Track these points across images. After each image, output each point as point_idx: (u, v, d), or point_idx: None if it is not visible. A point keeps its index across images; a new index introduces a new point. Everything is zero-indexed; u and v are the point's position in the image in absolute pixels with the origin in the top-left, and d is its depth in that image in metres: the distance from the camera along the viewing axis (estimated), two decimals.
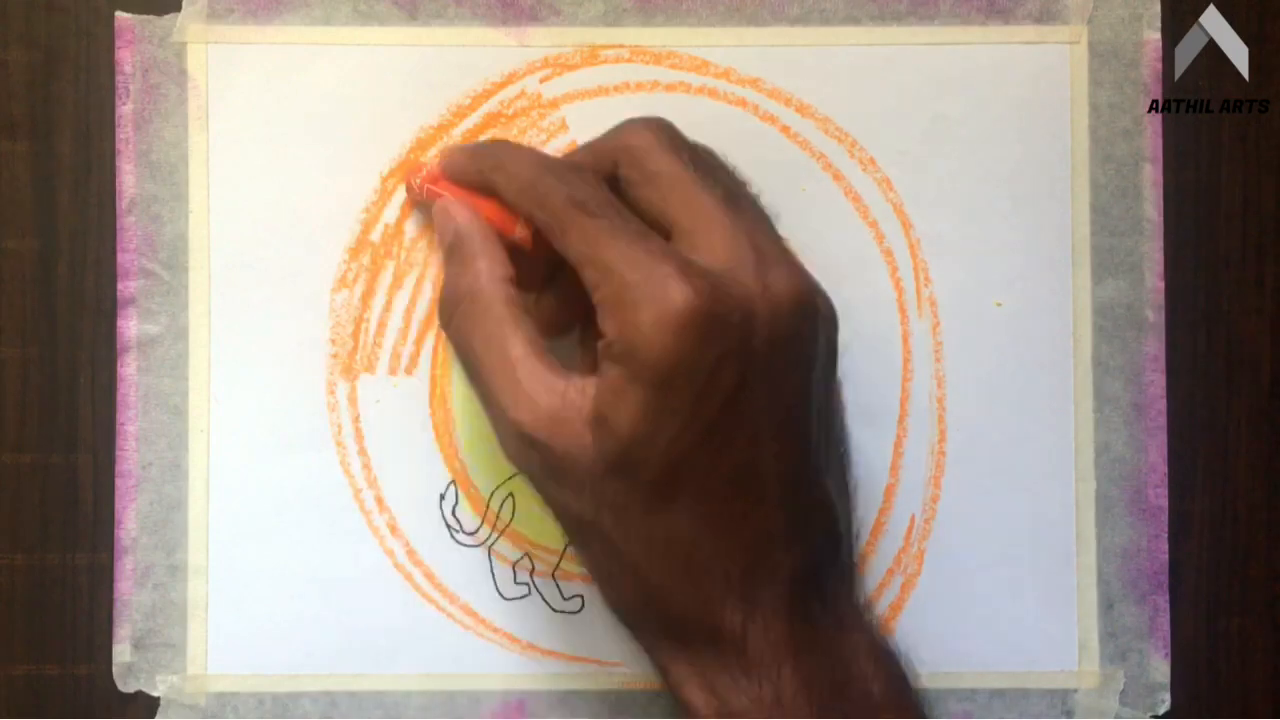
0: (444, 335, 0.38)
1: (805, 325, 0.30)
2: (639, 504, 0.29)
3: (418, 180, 0.36)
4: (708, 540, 0.29)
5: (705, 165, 0.32)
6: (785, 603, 0.30)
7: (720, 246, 0.30)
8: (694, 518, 0.29)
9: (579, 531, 0.31)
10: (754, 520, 0.29)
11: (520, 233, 0.34)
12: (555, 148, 0.38)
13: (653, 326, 0.28)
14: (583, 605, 0.38)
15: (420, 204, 0.37)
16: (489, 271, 0.32)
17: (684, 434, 0.28)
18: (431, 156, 0.37)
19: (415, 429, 0.38)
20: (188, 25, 0.38)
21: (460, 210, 0.34)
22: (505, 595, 0.38)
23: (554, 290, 0.35)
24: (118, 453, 0.38)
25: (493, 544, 0.38)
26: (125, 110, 0.38)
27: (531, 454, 0.30)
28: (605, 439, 0.29)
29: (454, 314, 0.33)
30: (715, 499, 0.29)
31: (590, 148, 0.34)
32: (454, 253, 0.33)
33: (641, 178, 0.32)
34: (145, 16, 0.38)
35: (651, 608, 0.30)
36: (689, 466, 0.29)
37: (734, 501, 0.29)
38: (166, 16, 0.38)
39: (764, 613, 0.29)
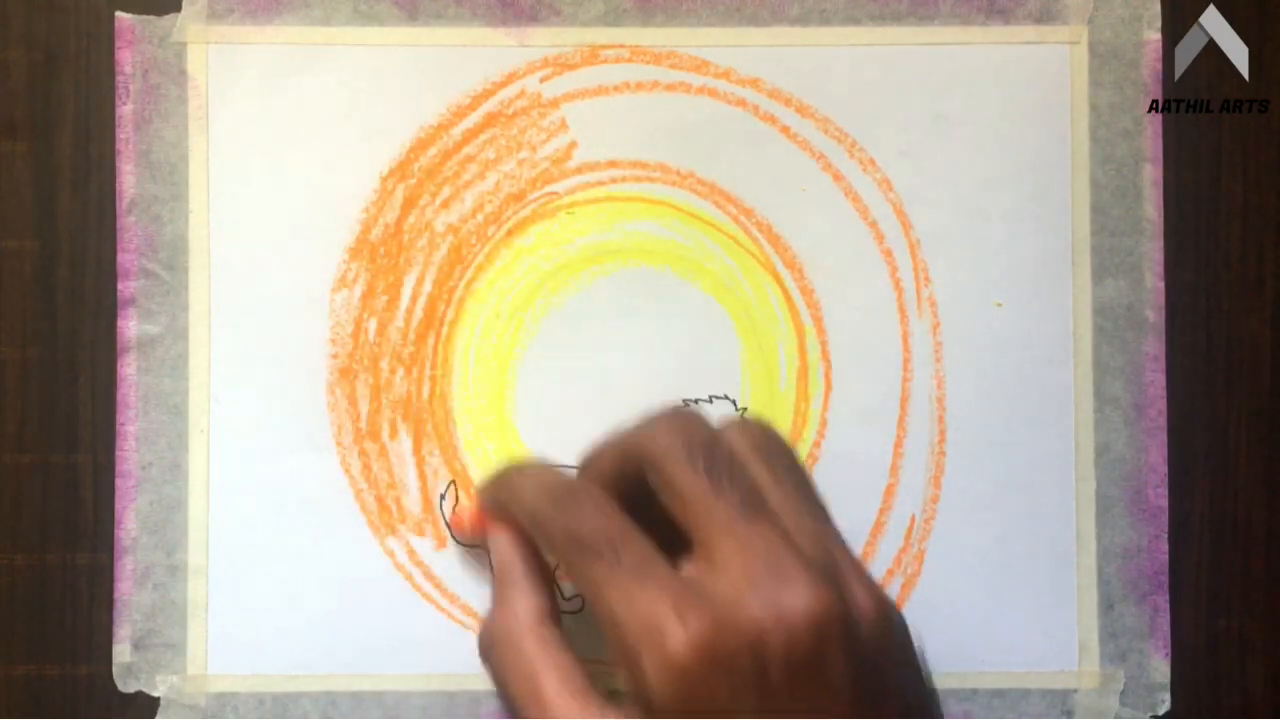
0: (447, 349, 0.38)
1: (831, 645, 0.27)
2: None
3: (464, 517, 0.37)
4: None
5: (726, 469, 0.30)
6: None
7: (734, 565, 0.28)
8: None
9: None
10: None
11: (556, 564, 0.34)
12: (555, 147, 0.38)
13: (655, 674, 0.27)
14: (583, 605, 0.38)
15: (473, 543, 0.38)
16: (524, 611, 0.32)
17: None
18: (468, 500, 0.38)
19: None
20: (188, 25, 0.38)
21: (502, 543, 0.34)
22: None
23: None
24: (118, 453, 0.38)
25: None
26: (125, 110, 0.38)
27: None
28: None
29: (491, 651, 0.33)
30: None
31: (618, 447, 0.32)
32: (496, 587, 0.34)
33: (662, 484, 0.30)
34: (145, 16, 0.38)
35: None
36: None
37: None
38: (166, 16, 0.38)
39: None
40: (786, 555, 0.28)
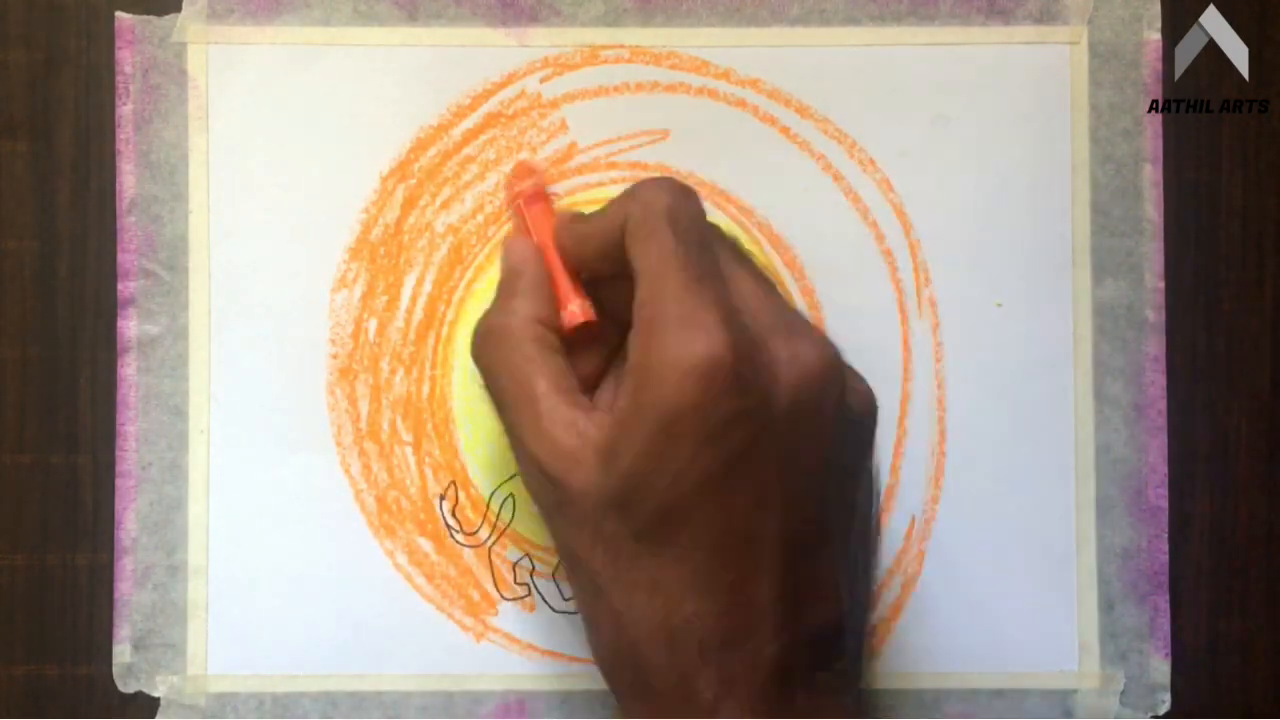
0: (447, 349, 0.38)
1: (828, 401, 0.29)
2: (630, 545, 0.28)
3: (517, 189, 0.36)
4: (690, 599, 0.28)
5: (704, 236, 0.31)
6: (764, 688, 0.28)
7: (757, 311, 0.30)
8: (680, 572, 0.28)
9: (574, 570, 0.31)
10: (743, 591, 0.28)
11: (571, 313, 0.33)
12: (555, 148, 0.38)
13: (673, 365, 0.28)
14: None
15: (508, 208, 0.37)
16: (524, 311, 0.32)
17: (682, 480, 0.28)
18: (538, 170, 0.37)
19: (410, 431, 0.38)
20: (188, 25, 0.38)
21: (522, 246, 0.34)
22: (505, 595, 0.38)
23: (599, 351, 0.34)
24: (118, 453, 0.38)
25: (493, 545, 0.38)
26: (125, 110, 0.38)
27: (547, 489, 0.30)
28: (609, 471, 0.28)
29: (484, 346, 0.32)
30: (705, 557, 0.28)
31: (605, 219, 0.32)
32: (500, 286, 0.33)
33: (644, 240, 0.31)
34: (145, 17, 0.38)
35: (627, 660, 0.29)
36: (683, 516, 0.28)
37: (725, 565, 0.28)
38: (166, 17, 0.38)
39: (739, 693, 0.28)
40: (800, 320, 0.31)
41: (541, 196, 0.35)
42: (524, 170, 0.37)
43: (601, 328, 0.33)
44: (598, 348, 0.33)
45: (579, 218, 0.33)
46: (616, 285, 0.32)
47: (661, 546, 0.28)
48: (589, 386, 0.33)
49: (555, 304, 0.33)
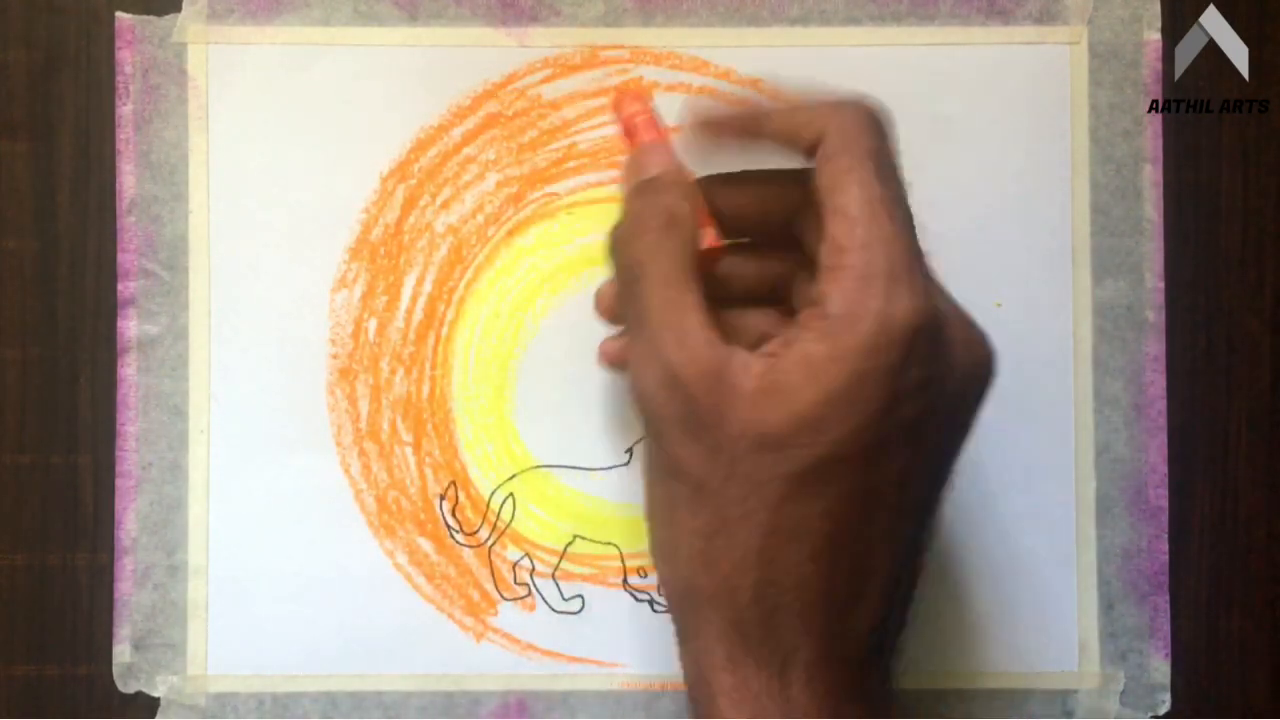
0: (447, 349, 0.38)
1: (985, 391, 0.30)
2: (777, 488, 0.27)
3: (629, 112, 0.33)
4: (828, 555, 0.28)
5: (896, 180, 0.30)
6: (860, 650, 0.28)
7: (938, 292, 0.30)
8: (825, 528, 0.27)
9: (692, 492, 0.29)
10: (872, 557, 0.28)
11: (710, 233, 0.31)
12: (555, 149, 0.38)
13: (886, 320, 0.27)
14: (583, 605, 0.38)
15: (622, 131, 0.34)
16: (682, 213, 0.30)
17: (857, 436, 0.27)
18: (645, 95, 0.34)
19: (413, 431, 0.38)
20: (188, 25, 0.38)
21: (662, 154, 0.32)
22: (505, 595, 0.38)
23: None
24: (118, 453, 0.38)
25: (493, 545, 0.38)
26: (125, 110, 0.38)
27: (673, 399, 0.28)
28: (774, 409, 0.27)
29: (641, 236, 0.30)
30: (855, 517, 0.28)
31: (803, 110, 0.30)
32: (659, 183, 0.31)
33: (838, 170, 0.29)
34: (145, 17, 0.38)
35: (723, 591, 0.28)
36: (843, 471, 0.27)
37: (867, 530, 0.28)
38: (166, 17, 0.38)
39: (840, 649, 0.28)
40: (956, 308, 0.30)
41: (655, 122, 0.33)
42: (633, 95, 0.33)
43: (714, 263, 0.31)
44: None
45: (749, 106, 0.32)
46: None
47: (810, 496, 0.27)
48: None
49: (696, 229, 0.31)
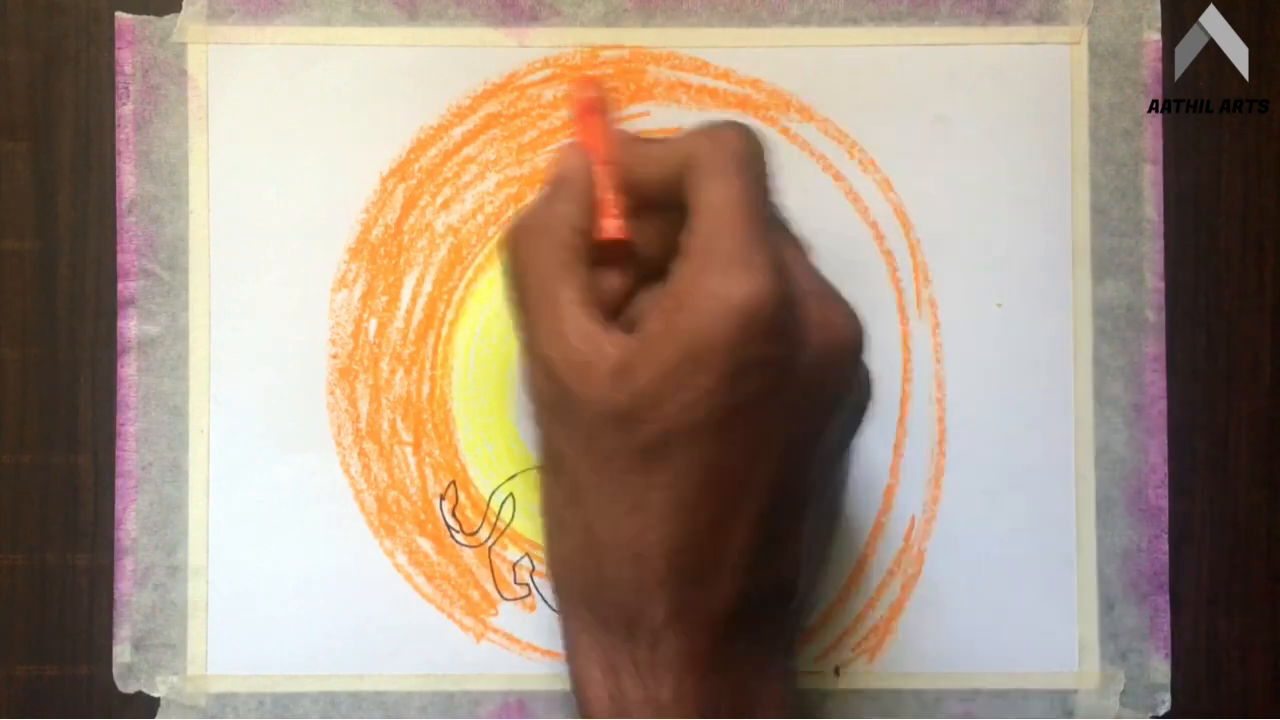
0: (447, 349, 0.38)
1: (844, 373, 0.30)
2: (621, 460, 0.29)
3: (578, 97, 0.34)
4: (667, 525, 0.29)
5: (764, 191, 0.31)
6: (713, 624, 0.29)
7: (798, 271, 0.30)
8: (665, 496, 0.29)
9: (554, 472, 0.31)
10: (720, 529, 0.29)
11: (609, 226, 0.32)
12: (555, 149, 0.38)
13: (717, 298, 0.28)
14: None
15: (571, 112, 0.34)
16: (564, 215, 0.32)
17: (692, 410, 0.28)
18: (602, 85, 0.34)
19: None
20: (188, 26, 0.38)
21: (574, 155, 0.33)
22: (505, 595, 0.38)
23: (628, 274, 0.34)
24: (118, 453, 0.38)
25: (493, 545, 0.38)
26: (125, 110, 0.38)
27: (548, 388, 0.30)
28: (620, 387, 0.29)
29: (517, 242, 0.32)
30: (692, 489, 0.29)
31: (670, 148, 0.32)
32: (545, 188, 0.33)
33: (702, 189, 0.30)
34: (145, 17, 0.38)
35: (586, 571, 0.30)
36: (682, 445, 0.29)
37: (708, 501, 0.29)
38: (166, 17, 0.38)
39: (690, 621, 0.29)
40: (832, 290, 0.31)
41: (602, 110, 0.34)
42: (589, 83, 0.34)
43: (630, 251, 0.32)
44: (623, 271, 0.33)
45: (642, 139, 0.33)
46: (655, 217, 0.32)
47: (652, 469, 0.29)
48: (606, 307, 0.32)
49: (594, 217, 0.32)
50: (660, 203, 0.31)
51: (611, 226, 0.32)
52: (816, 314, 0.29)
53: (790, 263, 0.30)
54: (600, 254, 0.32)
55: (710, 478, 0.29)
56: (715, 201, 0.29)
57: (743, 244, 0.29)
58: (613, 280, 0.32)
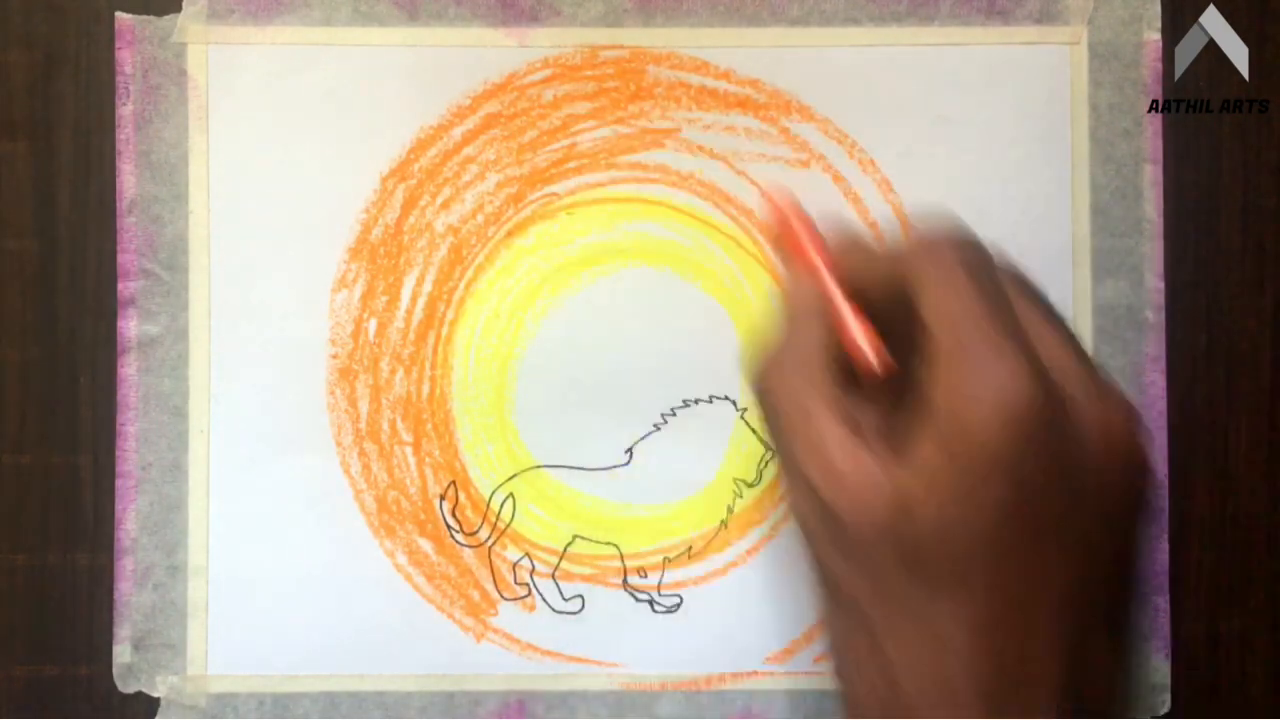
0: (447, 349, 0.38)
1: (1133, 474, 0.28)
2: (915, 598, 0.27)
3: (781, 218, 0.33)
4: (975, 657, 0.27)
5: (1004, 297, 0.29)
6: None
7: (1063, 365, 0.28)
8: (968, 629, 0.27)
9: (834, 598, 0.29)
10: (1030, 655, 0.27)
11: (874, 359, 0.31)
12: (555, 149, 0.38)
13: (983, 405, 0.26)
14: (583, 605, 0.38)
15: (775, 246, 0.34)
16: (817, 343, 0.30)
17: (984, 534, 0.27)
18: (792, 199, 0.34)
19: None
20: (188, 26, 0.38)
21: (806, 281, 0.32)
22: (505, 595, 0.38)
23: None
24: (118, 453, 0.38)
25: (493, 545, 0.38)
26: (125, 110, 0.38)
27: (819, 517, 0.29)
28: (904, 523, 0.27)
29: (771, 376, 0.31)
30: (996, 616, 0.27)
31: (889, 263, 0.30)
32: (792, 312, 0.32)
33: (931, 304, 0.29)
34: (145, 17, 0.38)
35: (890, 710, 0.28)
36: (979, 572, 0.27)
37: (1015, 627, 0.27)
38: (166, 17, 0.38)
39: None
40: (1103, 378, 0.29)
41: (804, 218, 0.33)
42: (781, 193, 0.34)
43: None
44: (869, 388, 0.31)
45: (857, 245, 0.32)
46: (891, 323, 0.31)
47: (949, 599, 0.27)
48: (866, 430, 0.31)
49: (839, 336, 0.31)
50: (881, 315, 0.30)
51: (882, 365, 0.30)
52: (1092, 411, 0.28)
53: (1050, 356, 0.28)
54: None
55: (1012, 599, 0.27)
56: (951, 314, 0.28)
57: (992, 344, 0.27)
58: (865, 404, 0.31)
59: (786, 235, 0.33)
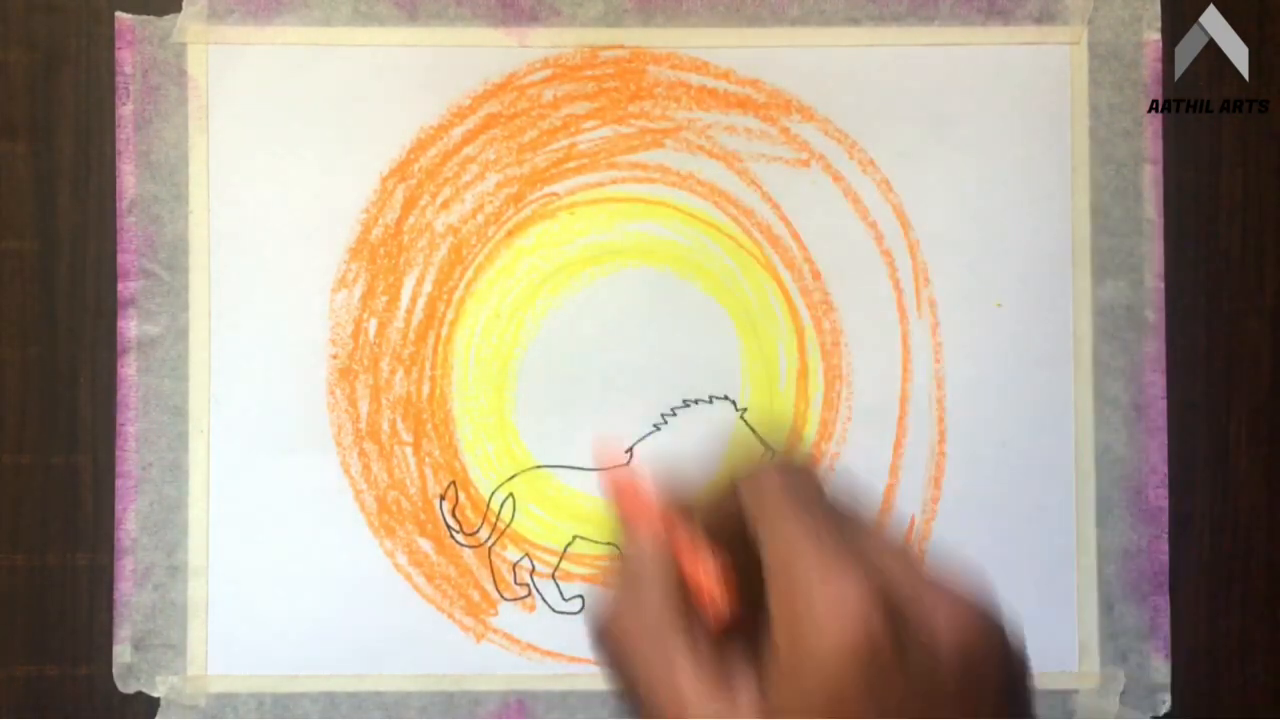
0: (447, 349, 0.38)
1: (994, 662, 0.28)
2: None
3: (613, 477, 0.32)
4: None
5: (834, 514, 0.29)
6: None
7: (901, 572, 0.28)
8: None
9: None
10: None
11: (718, 607, 0.30)
12: (555, 149, 0.38)
13: (833, 636, 0.26)
14: (583, 605, 0.38)
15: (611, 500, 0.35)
16: (662, 603, 0.30)
17: None
18: (632, 470, 0.35)
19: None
20: (188, 26, 0.38)
21: (647, 532, 0.32)
22: (505, 595, 0.38)
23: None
24: (118, 453, 0.38)
25: (493, 545, 0.38)
26: (125, 110, 0.38)
27: None
28: None
29: (616, 639, 0.30)
30: None
31: (720, 496, 0.31)
32: (628, 573, 0.31)
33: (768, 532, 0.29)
34: (145, 17, 0.38)
35: None
36: None
37: None
38: (166, 17, 0.38)
39: None
40: (935, 572, 0.28)
41: (634, 483, 0.32)
42: (616, 475, 0.34)
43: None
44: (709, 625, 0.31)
45: (685, 507, 0.32)
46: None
47: None
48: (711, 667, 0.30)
49: (681, 587, 0.30)
50: (740, 553, 0.30)
51: (721, 617, 0.30)
52: (941, 606, 0.27)
53: (891, 571, 0.28)
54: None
55: None
56: (782, 541, 0.28)
57: (821, 569, 0.27)
58: (727, 650, 0.30)
59: (623, 503, 0.32)
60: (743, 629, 0.30)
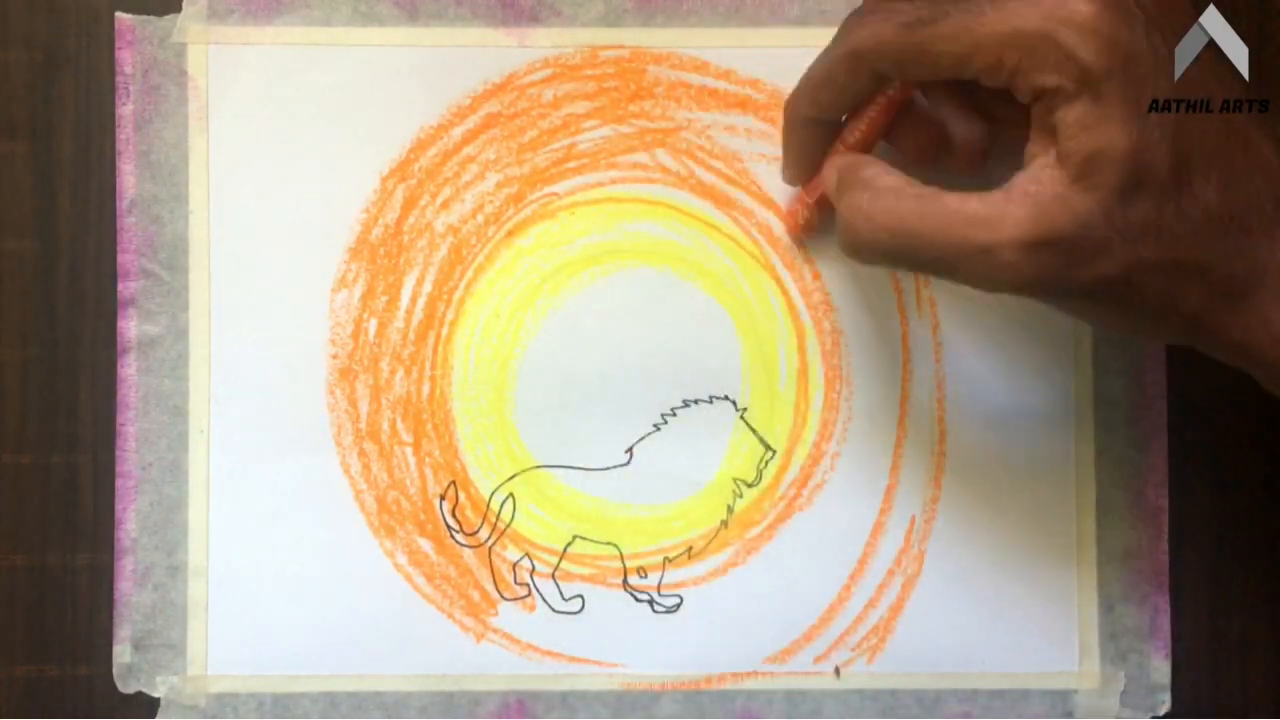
0: (447, 349, 0.38)
1: None
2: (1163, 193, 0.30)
3: (804, 206, 0.38)
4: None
5: None
6: None
7: None
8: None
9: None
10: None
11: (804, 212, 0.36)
12: (555, 149, 0.38)
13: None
14: (583, 605, 0.38)
15: (809, 222, 0.38)
16: (878, 169, 0.33)
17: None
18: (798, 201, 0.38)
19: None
20: (188, 26, 0.38)
21: (831, 166, 0.35)
22: (505, 595, 0.38)
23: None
24: (118, 453, 0.38)
25: (493, 545, 0.38)
26: (125, 111, 0.38)
27: (1041, 255, 0.30)
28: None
29: (866, 223, 0.32)
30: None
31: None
32: (843, 185, 0.34)
33: None
34: (145, 17, 0.38)
35: (1192, 278, 0.30)
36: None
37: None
38: (166, 17, 0.38)
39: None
40: None
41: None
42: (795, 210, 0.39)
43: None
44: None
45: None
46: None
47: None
48: None
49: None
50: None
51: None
52: None
53: None
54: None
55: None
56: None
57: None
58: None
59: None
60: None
